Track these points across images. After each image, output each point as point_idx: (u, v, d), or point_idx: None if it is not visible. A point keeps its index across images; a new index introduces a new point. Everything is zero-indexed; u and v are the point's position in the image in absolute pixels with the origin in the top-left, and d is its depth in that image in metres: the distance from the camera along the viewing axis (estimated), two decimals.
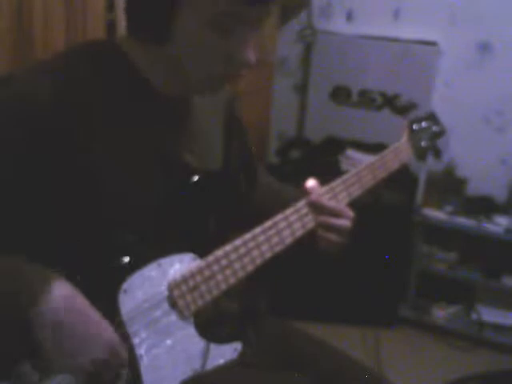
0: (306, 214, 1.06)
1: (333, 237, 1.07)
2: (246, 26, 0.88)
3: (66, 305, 0.79)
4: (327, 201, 1.08)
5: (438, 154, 1.30)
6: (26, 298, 0.78)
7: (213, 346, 0.96)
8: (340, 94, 2.97)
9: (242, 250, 0.98)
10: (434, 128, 1.30)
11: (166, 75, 0.94)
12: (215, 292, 0.96)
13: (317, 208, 1.07)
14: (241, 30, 0.88)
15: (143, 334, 0.90)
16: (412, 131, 1.25)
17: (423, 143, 1.26)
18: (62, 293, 0.80)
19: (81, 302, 0.82)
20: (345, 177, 1.12)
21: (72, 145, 0.87)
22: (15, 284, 0.80)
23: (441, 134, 1.30)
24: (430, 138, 1.28)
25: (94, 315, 0.82)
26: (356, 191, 1.13)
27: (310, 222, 1.06)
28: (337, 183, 1.11)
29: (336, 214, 1.07)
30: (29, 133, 0.84)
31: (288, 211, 1.04)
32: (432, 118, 1.31)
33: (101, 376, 0.82)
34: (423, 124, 1.28)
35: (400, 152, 1.21)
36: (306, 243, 1.08)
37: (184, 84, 0.96)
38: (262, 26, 0.91)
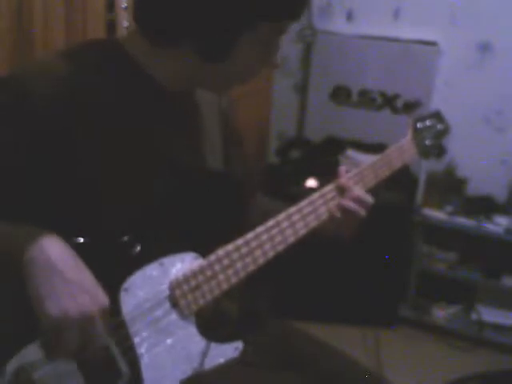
0: (309, 214, 1.06)
1: (350, 220, 1.09)
2: (282, 35, 0.94)
3: (58, 250, 0.79)
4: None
5: (441, 153, 1.30)
6: (18, 247, 0.78)
7: (213, 346, 0.96)
8: (340, 94, 2.97)
9: (244, 250, 0.98)
10: (439, 126, 1.29)
11: (172, 73, 0.94)
12: (217, 291, 0.96)
13: (343, 191, 1.09)
14: (278, 40, 0.95)
15: (144, 333, 0.90)
16: (416, 129, 1.24)
17: (427, 142, 1.26)
18: (54, 241, 0.80)
19: (73, 254, 0.81)
20: (349, 175, 1.12)
21: (73, 144, 0.87)
22: (7, 240, 0.80)
23: (445, 132, 1.30)
24: (434, 136, 1.27)
25: (87, 271, 0.82)
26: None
27: (312, 221, 1.06)
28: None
29: (359, 200, 1.09)
30: (29, 133, 0.84)
31: (291, 210, 1.04)
32: (437, 116, 1.30)
33: (93, 362, 0.82)
34: (427, 122, 1.27)
35: (404, 151, 1.21)
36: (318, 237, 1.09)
37: (199, 85, 0.98)
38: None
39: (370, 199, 1.10)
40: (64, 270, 0.79)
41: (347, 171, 1.12)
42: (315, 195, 1.07)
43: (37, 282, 0.78)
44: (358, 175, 1.12)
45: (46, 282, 0.78)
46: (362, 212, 1.09)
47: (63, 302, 0.78)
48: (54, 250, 0.79)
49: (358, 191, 1.09)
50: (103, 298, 0.82)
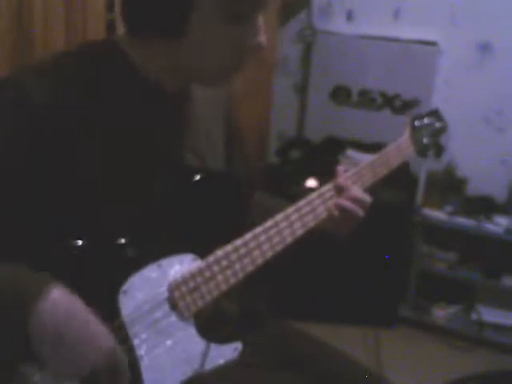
0: (307, 214, 1.06)
1: (348, 219, 1.09)
2: (257, 10, 0.89)
3: (63, 309, 0.79)
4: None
5: (440, 151, 1.30)
6: (24, 303, 0.78)
7: (213, 346, 0.96)
8: (340, 94, 2.97)
9: (243, 251, 0.98)
10: (437, 124, 1.29)
11: (166, 72, 0.94)
12: (215, 293, 0.96)
13: (341, 191, 1.09)
14: (253, 15, 0.89)
15: (143, 335, 0.90)
16: (414, 128, 1.25)
17: (425, 140, 1.26)
18: (59, 297, 0.79)
19: (79, 306, 0.81)
20: (347, 174, 1.12)
21: (72, 145, 0.87)
22: (14, 290, 0.79)
23: (443, 130, 1.30)
24: (432, 134, 1.28)
25: (93, 321, 0.81)
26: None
27: (310, 221, 1.06)
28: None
29: (357, 200, 1.08)
30: (29, 134, 0.84)
31: (288, 210, 1.04)
32: (435, 114, 1.30)
33: (100, 380, 0.82)
34: (425, 120, 1.27)
35: (402, 149, 1.21)
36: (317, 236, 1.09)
37: (189, 78, 0.97)
38: (269, 8, 0.92)
39: (368, 199, 1.10)
40: (69, 332, 0.79)
41: (345, 171, 1.12)
42: (313, 195, 1.07)
43: (43, 340, 0.78)
44: (356, 174, 1.12)
45: (54, 349, 0.78)
46: (360, 212, 1.09)
47: (74, 366, 0.79)
48: (59, 308, 0.78)
49: (356, 191, 1.09)
50: (111, 345, 0.82)
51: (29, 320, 0.77)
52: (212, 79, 0.97)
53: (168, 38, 0.89)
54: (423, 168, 2.82)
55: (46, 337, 0.78)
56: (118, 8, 0.94)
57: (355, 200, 1.08)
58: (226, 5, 0.86)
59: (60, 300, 0.79)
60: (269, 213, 1.03)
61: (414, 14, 2.83)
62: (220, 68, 0.94)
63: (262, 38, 0.91)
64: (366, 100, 2.93)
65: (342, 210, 1.08)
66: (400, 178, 2.26)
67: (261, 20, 0.91)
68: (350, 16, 2.96)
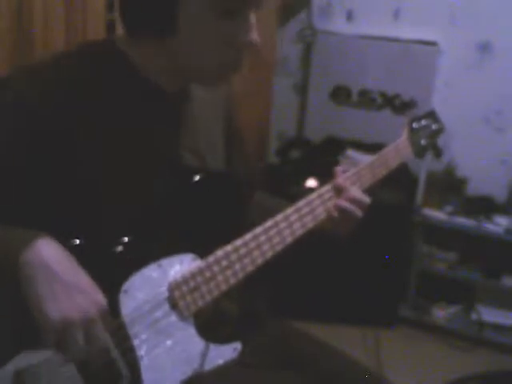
0: (306, 214, 1.06)
1: (347, 220, 1.09)
2: (248, 7, 0.89)
3: (53, 253, 0.80)
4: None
5: (438, 153, 1.30)
6: (12, 250, 0.79)
7: (212, 347, 0.96)
8: (340, 94, 2.97)
9: (243, 251, 0.98)
10: (434, 126, 1.30)
11: (166, 72, 0.94)
12: (216, 292, 0.96)
13: (340, 192, 1.09)
14: (244, 12, 0.89)
15: (143, 335, 0.90)
16: (412, 129, 1.25)
17: (423, 141, 1.27)
18: (50, 242, 0.80)
19: (68, 256, 0.82)
20: (346, 175, 1.12)
21: (72, 145, 0.87)
22: (1, 244, 0.80)
23: (440, 131, 1.31)
24: (429, 136, 1.28)
25: (81, 271, 0.82)
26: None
27: (310, 221, 1.06)
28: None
29: (355, 201, 1.08)
30: (29, 134, 0.84)
31: (288, 211, 1.04)
32: (432, 115, 1.31)
33: (94, 367, 0.82)
34: (423, 122, 1.28)
35: (400, 150, 1.21)
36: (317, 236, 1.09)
37: (189, 78, 0.97)
38: (262, 6, 0.92)
39: (367, 199, 1.10)
40: (60, 272, 0.79)
41: (344, 171, 1.12)
42: (313, 195, 1.07)
43: (33, 285, 0.78)
44: (355, 175, 1.12)
45: (43, 284, 0.78)
46: (359, 212, 1.09)
47: (61, 305, 0.78)
48: (48, 252, 0.79)
49: (355, 192, 1.09)
50: (101, 298, 0.82)
51: (20, 261, 0.78)
52: (210, 78, 0.97)
53: (162, 37, 0.89)
54: (423, 168, 2.82)
55: (37, 276, 0.78)
56: (117, 8, 0.94)
57: (354, 201, 1.08)
58: (216, 1, 0.86)
59: (52, 246, 0.80)
60: (269, 213, 1.03)
61: (414, 14, 2.83)
62: (216, 66, 0.93)
63: (255, 36, 0.91)
64: (366, 100, 2.93)
65: (341, 210, 1.08)
66: (400, 179, 2.25)
67: (253, 17, 0.91)
68: (350, 16, 2.96)
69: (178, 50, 0.90)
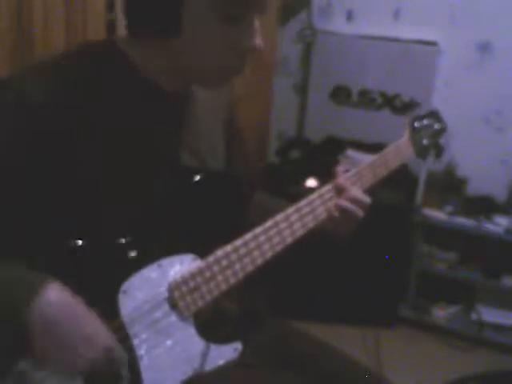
0: (307, 214, 1.06)
1: (347, 220, 1.09)
2: (252, 12, 0.89)
3: (59, 305, 0.79)
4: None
5: (439, 152, 1.30)
6: (21, 300, 0.78)
7: (213, 347, 0.96)
8: (340, 94, 2.97)
9: (243, 251, 0.98)
10: (436, 126, 1.29)
11: (166, 72, 0.94)
12: (215, 292, 0.96)
13: (341, 192, 1.09)
14: (248, 17, 0.89)
15: (143, 335, 0.90)
16: (413, 129, 1.24)
17: (425, 141, 1.26)
18: (55, 294, 0.80)
19: (75, 302, 0.81)
20: (346, 175, 1.12)
21: (72, 145, 0.87)
22: (12, 288, 0.80)
23: (442, 131, 1.30)
24: (431, 135, 1.27)
25: (89, 316, 0.82)
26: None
27: (310, 221, 1.06)
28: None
29: (356, 201, 1.08)
30: (30, 134, 0.84)
31: (289, 211, 1.04)
32: (434, 115, 1.30)
33: (100, 377, 0.82)
34: (425, 122, 1.27)
35: (401, 150, 1.21)
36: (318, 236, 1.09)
37: (189, 79, 0.97)
38: (267, 12, 0.92)
39: (367, 199, 1.10)
40: (71, 330, 0.79)
41: (345, 171, 1.12)
42: (313, 195, 1.07)
43: (38, 334, 0.78)
44: (356, 175, 1.12)
45: (54, 347, 0.79)
46: (360, 212, 1.09)
47: (74, 364, 0.80)
48: (56, 308, 0.79)
49: (356, 191, 1.09)
50: (110, 343, 0.82)
51: (26, 319, 0.77)
52: (211, 81, 0.97)
53: (165, 37, 0.89)
54: (423, 168, 2.82)
55: (43, 335, 0.78)
56: (120, 8, 0.94)
57: (355, 200, 1.08)
58: (218, 5, 0.86)
59: (57, 298, 0.80)
60: (269, 213, 1.03)
61: (414, 14, 2.83)
62: (218, 69, 0.94)
63: (258, 41, 0.91)
64: (366, 100, 2.93)
65: (342, 210, 1.08)
66: (400, 178, 2.25)
67: (257, 23, 0.90)
68: (350, 16, 2.96)
69: (180, 51, 0.90)
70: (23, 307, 0.78)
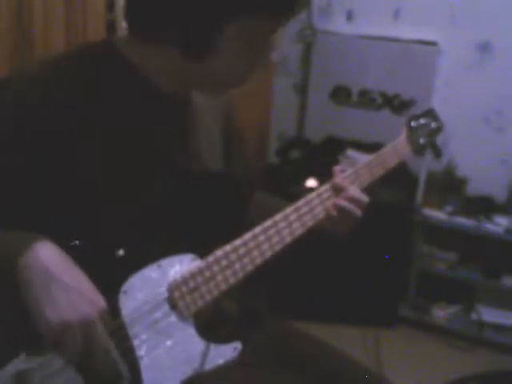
0: (306, 214, 1.06)
1: (346, 219, 1.09)
2: (276, 34, 0.92)
3: (52, 256, 0.80)
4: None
5: (438, 152, 1.30)
6: (12, 254, 0.79)
7: (213, 346, 0.96)
8: (340, 94, 2.97)
9: (242, 250, 0.98)
10: (433, 125, 1.29)
11: (168, 75, 0.94)
12: (215, 292, 0.96)
13: (339, 191, 1.09)
14: (270, 40, 0.92)
15: (143, 336, 0.90)
16: (410, 128, 1.25)
17: (421, 140, 1.26)
18: (50, 246, 0.81)
19: (68, 259, 0.82)
20: (344, 174, 1.12)
21: (72, 146, 0.87)
22: (1, 246, 0.81)
23: (439, 130, 1.30)
24: (428, 134, 1.28)
25: (83, 275, 0.82)
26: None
27: (309, 220, 1.06)
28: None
29: (354, 200, 1.08)
30: (29, 135, 0.84)
31: (287, 211, 1.04)
32: (430, 114, 1.31)
33: (100, 374, 0.82)
34: (421, 121, 1.28)
35: (398, 149, 1.21)
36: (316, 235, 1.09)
37: (193, 86, 0.98)
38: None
39: (365, 198, 1.10)
40: (60, 275, 0.79)
41: (342, 170, 1.12)
42: (312, 195, 1.07)
43: (33, 289, 0.78)
44: (354, 174, 1.12)
45: (43, 289, 0.78)
46: (358, 211, 1.09)
47: (61, 309, 0.79)
48: (47, 255, 0.80)
49: (354, 191, 1.09)
50: (101, 301, 0.82)
51: (20, 265, 0.78)
52: (217, 90, 1.01)
53: (190, 57, 0.89)
54: (423, 168, 2.82)
55: (36, 279, 0.78)
56: (125, 12, 0.92)
57: (353, 200, 1.08)
58: (249, 31, 0.87)
59: (51, 249, 0.81)
60: (269, 212, 1.03)
61: (414, 14, 2.83)
62: (229, 82, 0.96)
63: (275, 55, 0.94)
64: (366, 100, 2.93)
65: (340, 209, 1.08)
66: (400, 178, 2.25)
67: (277, 40, 0.93)
68: (350, 16, 2.96)
69: (196, 66, 0.91)
70: (17, 255, 0.78)
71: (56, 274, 0.79)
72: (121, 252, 0.90)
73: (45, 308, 0.78)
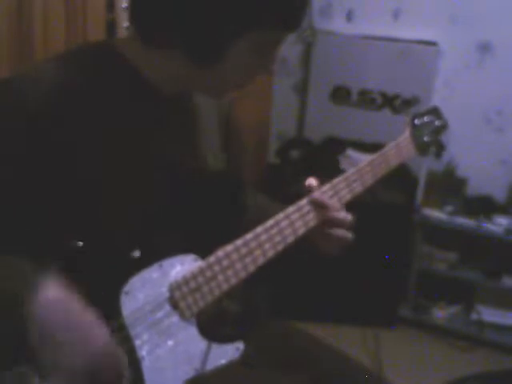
0: (308, 212, 1.05)
1: (338, 232, 1.07)
2: (279, 45, 0.94)
3: (57, 303, 0.79)
4: (329, 199, 1.07)
5: (440, 150, 1.29)
6: (20, 297, 0.78)
7: (214, 346, 0.96)
8: (340, 94, 2.97)
9: (244, 250, 0.98)
10: (437, 122, 1.28)
11: (168, 76, 0.94)
12: (217, 292, 0.96)
13: (318, 206, 1.07)
14: (274, 49, 0.94)
15: (145, 336, 0.90)
16: (414, 126, 1.24)
17: (426, 138, 1.25)
18: (55, 294, 0.79)
19: (74, 301, 0.81)
20: (346, 174, 1.11)
21: (72, 146, 0.87)
22: (11, 283, 0.79)
23: (443, 128, 1.29)
24: (432, 132, 1.27)
25: (90, 320, 0.81)
26: (357, 188, 1.12)
27: (311, 220, 1.05)
28: (338, 180, 1.10)
29: (337, 211, 1.07)
30: (29, 135, 0.84)
31: (290, 210, 1.04)
32: (434, 112, 1.29)
33: (100, 380, 0.82)
34: (425, 119, 1.26)
35: (402, 148, 1.20)
36: (307, 248, 1.09)
37: (195, 89, 0.99)
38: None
39: (346, 214, 1.08)
40: (63, 324, 0.78)
41: (319, 185, 1.07)
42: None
43: (37, 332, 0.77)
44: (332, 188, 1.08)
45: (46, 336, 0.77)
46: (348, 217, 1.07)
47: (70, 366, 0.78)
48: (54, 301, 0.78)
49: (333, 203, 1.06)
50: (105, 338, 0.81)
51: (24, 315, 0.77)
52: (216, 94, 1.01)
53: (197, 63, 0.90)
54: (423, 168, 2.83)
55: (42, 334, 0.77)
56: (130, 13, 0.92)
57: (334, 222, 1.06)
58: (257, 42, 0.89)
59: (56, 297, 0.79)
60: (269, 214, 1.03)
61: (414, 14, 2.83)
62: (232, 89, 0.98)
63: (275, 66, 0.96)
64: (366, 100, 2.93)
65: (332, 222, 1.06)
66: (400, 178, 2.25)
67: (279, 51, 0.95)
68: (349, 16, 2.96)
69: (204, 72, 0.92)
70: (22, 303, 0.77)
71: (53, 330, 0.78)
72: (122, 252, 0.90)
73: (45, 355, 0.78)
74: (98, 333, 0.81)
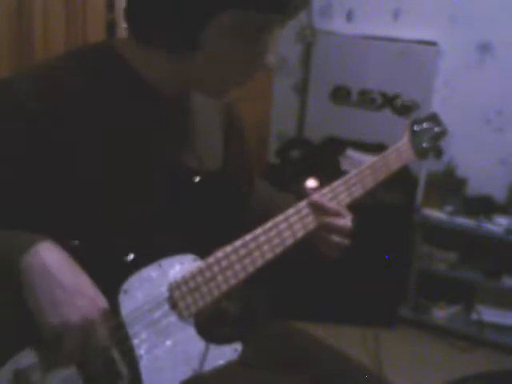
0: (307, 215, 1.06)
1: (335, 238, 1.08)
2: (272, 33, 0.90)
3: (54, 256, 0.80)
4: (328, 202, 1.07)
5: (439, 154, 1.30)
6: (14, 255, 0.79)
7: (212, 347, 0.96)
8: (340, 94, 2.97)
9: (243, 251, 0.98)
10: (436, 129, 1.29)
11: (168, 76, 0.94)
12: (216, 293, 0.96)
13: (318, 208, 1.07)
14: (267, 38, 0.90)
15: (143, 335, 0.90)
16: (413, 132, 1.24)
17: (425, 144, 1.26)
18: (49, 247, 0.81)
19: (69, 259, 0.82)
20: (346, 177, 1.12)
21: (72, 146, 0.87)
22: (2, 248, 0.81)
23: (442, 134, 1.30)
24: (431, 139, 1.27)
25: (83, 273, 0.83)
26: (357, 191, 1.12)
27: (311, 222, 1.06)
28: (338, 183, 1.10)
29: (336, 214, 1.07)
30: (29, 135, 0.84)
31: (289, 212, 1.04)
32: (433, 118, 1.30)
33: (93, 335, 0.82)
34: (424, 125, 1.27)
35: (401, 153, 1.21)
36: (307, 249, 1.09)
37: (193, 87, 0.98)
38: (287, 25, 0.93)
39: (347, 212, 1.08)
40: (61, 276, 0.80)
41: (314, 189, 1.09)
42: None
43: (35, 290, 0.79)
44: (331, 191, 1.09)
45: (44, 290, 0.79)
46: (347, 223, 1.07)
47: (63, 310, 0.79)
48: (49, 256, 0.80)
49: (333, 206, 1.07)
50: (102, 301, 0.83)
51: (21, 265, 0.78)
52: (216, 92, 0.99)
53: (178, 52, 0.89)
54: (423, 168, 2.82)
55: (38, 280, 0.78)
56: (125, 14, 0.92)
57: (335, 214, 1.07)
58: (245, 21, 0.86)
59: (52, 249, 0.81)
60: (274, 204, 1.02)
61: (413, 14, 2.83)
62: (227, 83, 0.96)
63: (271, 58, 0.92)
64: (366, 100, 2.93)
65: (329, 228, 1.07)
66: (400, 178, 2.25)
67: (274, 41, 0.91)
68: (349, 16, 2.96)
69: (191, 64, 0.91)
70: (19, 257, 0.79)
71: (57, 274, 0.79)
72: (121, 252, 0.90)
73: (46, 308, 0.78)
74: (93, 286, 0.82)
